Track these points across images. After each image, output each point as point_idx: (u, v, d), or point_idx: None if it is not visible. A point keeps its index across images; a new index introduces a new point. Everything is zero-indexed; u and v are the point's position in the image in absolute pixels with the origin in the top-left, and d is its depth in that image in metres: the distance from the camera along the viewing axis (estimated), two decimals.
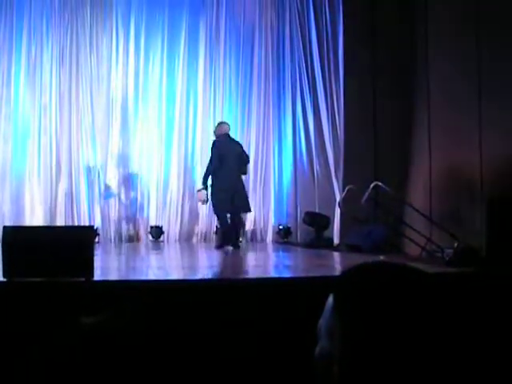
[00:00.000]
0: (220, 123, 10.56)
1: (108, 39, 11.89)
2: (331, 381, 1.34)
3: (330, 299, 1.38)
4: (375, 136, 11.08)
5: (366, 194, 9.38)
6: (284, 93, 12.16)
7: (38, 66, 11.66)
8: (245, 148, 10.90)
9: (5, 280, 5.88)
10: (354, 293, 1.34)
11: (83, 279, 5.74)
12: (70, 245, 5.79)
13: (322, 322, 1.39)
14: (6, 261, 5.91)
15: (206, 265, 8.86)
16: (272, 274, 7.84)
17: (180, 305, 5.55)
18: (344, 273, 1.40)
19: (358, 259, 8.52)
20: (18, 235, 5.99)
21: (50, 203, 11.44)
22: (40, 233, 6.06)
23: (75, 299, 5.64)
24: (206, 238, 11.71)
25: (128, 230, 11.68)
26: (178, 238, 11.61)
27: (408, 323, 1.29)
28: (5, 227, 6.20)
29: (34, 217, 11.38)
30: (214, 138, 10.16)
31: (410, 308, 1.31)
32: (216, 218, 10.36)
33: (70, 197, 11.45)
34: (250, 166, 11.40)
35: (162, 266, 8.16)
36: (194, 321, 5.45)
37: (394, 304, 1.31)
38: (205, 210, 11.57)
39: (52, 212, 11.42)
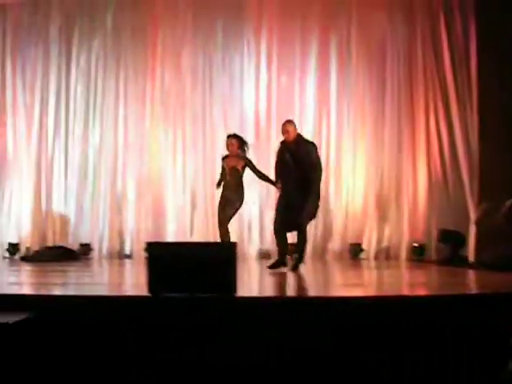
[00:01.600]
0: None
1: (240, 57, 12.22)
2: None
3: None
4: (511, 150, 10.91)
5: (503, 210, 9.23)
6: (417, 104, 12.14)
7: (172, 88, 12.20)
8: (378, 163, 11.20)
9: (150, 295, 6.09)
10: None
11: (226, 295, 5.90)
12: (214, 261, 5.97)
13: None
14: (151, 276, 6.13)
15: (341, 282, 8.91)
16: (406, 292, 7.81)
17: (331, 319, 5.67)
18: None
19: (494, 278, 8.43)
20: (163, 251, 6.22)
21: (187, 219, 11.94)
22: (184, 249, 6.26)
23: (220, 315, 5.81)
24: (338, 255, 11.80)
25: (262, 246, 11.91)
26: (311, 254, 11.68)
27: None
28: (149, 243, 6.45)
29: (170, 233, 11.77)
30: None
31: None
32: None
33: (206, 213, 11.81)
34: (385, 182, 11.51)
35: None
36: (345, 334, 5.56)
37: None
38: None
39: (188, 228, 11.79)
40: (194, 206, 12.04)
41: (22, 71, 12.50)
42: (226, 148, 9.76)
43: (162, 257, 6.13)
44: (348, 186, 12.07)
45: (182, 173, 12.15)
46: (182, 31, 12.26)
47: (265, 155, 11.52)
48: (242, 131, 11.77)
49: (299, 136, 9.22)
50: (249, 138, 11.81)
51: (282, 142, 9.25)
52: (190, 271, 6.02)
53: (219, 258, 6.02)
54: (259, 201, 11.90)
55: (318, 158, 9.16)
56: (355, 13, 12.17)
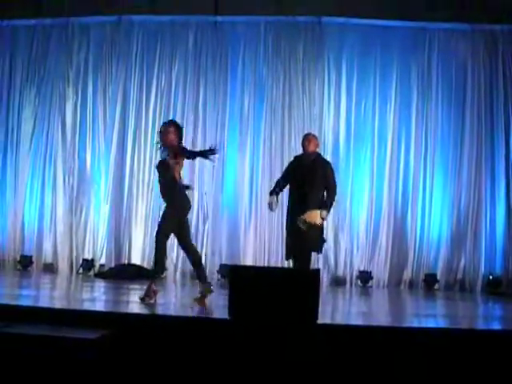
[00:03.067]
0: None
1: (320, 80, 12.23)
2: None
3: None
4: None
5: None
6: (497, 135, 12.05)
7: (250, 110, 12.33)
8: (456, 192, 11.36)
9: (229, 319, 6.12)
10: None
11: (308, 322, 5.90)
12: (296, 287, 5.97)
13: None
14: (232, 299, 6.15)
15: (414, 312, 8.85)
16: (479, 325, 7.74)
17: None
18: None
19: None
20: (245, 274, 6.24)
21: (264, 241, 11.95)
22: (266, 274, 6.28)
23: (300, 343, 5.81)
24: (412, 285, 11.66)
25: (335, 273, 11.85)
26: (386, 283, 11.61)
27: None
28: (232, 266, 6.49)
29: (247, 256, 11.83)
30: None
31: None
32: None
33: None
34: (462, 212, 11.42)
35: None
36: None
37: None
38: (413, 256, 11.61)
39: (264, 250, 11.82)
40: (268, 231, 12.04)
41: (103, 87, 12.76)
42: None
43: (244, 281, 6.15)
44: (424, 215, 11.96)
45: (258, 197, 12.16)
46: (262, 52, 12.37)
47: (343, 178, 11.61)
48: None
49: (318, 154, 9.30)
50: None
51: (298, 158, 9.38)
52: (271, 296, 6.02)
53: (302, 284, 6.01)
54: (333, 226, 11.82)
55: (334, 179, 9.18)
56: (436, 40, 12.13)
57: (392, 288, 11.62)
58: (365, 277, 11.69)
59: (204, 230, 12.21)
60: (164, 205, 8.49)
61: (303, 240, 8.74)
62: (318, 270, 6.35)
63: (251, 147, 12.28)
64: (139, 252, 12.42)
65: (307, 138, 9.27)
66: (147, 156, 12.51)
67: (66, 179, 12.67)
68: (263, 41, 12.40)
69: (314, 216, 8.77)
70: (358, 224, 11.97)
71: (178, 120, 11.93)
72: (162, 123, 9.18)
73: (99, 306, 7.95)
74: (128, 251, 12.43)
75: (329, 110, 12.22)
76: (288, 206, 9.32)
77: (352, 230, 11.95)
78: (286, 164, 10.68)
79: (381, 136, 12.10)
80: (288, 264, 9.46)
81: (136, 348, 6.15)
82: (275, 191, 9.29)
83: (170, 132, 8.51)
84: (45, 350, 5.76)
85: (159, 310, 7.60)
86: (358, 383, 5.83)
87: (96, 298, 8.86)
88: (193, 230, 11.68)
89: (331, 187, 9.02)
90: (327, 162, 9.31)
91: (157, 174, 8.70)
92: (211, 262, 11.99)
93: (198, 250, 11.54)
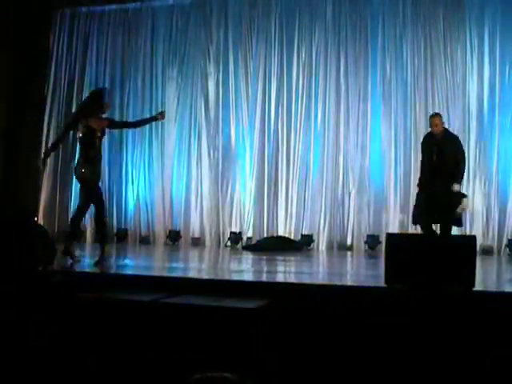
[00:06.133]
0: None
1: (462, 46, 12.19)
2: None
3: None
4: None
5: None
6: None
7: (392, 79, 12.40)
8: None
9: (386, 286, 6.28)
10: None
11: (465, 289, 6.00)
12: (454, 253, 6.09)
13: None
14: (388, 267, 6.32)
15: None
16: None
17: None
18: None
19: None
20: (402, 243, 6.41)
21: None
22: (424, 241, 6.43)
23: (458, 309, 5.92)
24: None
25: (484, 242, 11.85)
26: None
27: None
28: (389, 234, 6.66)
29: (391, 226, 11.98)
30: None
31: None
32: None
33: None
34: None
35: None
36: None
37: None
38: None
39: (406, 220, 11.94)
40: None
41: (244, 63, 13.15)
42: None
43: (401, 248, 6.29)
44: None
45: (402, 168, 12.31)
46: (402, 20, 12.42)
47: (488, 145, 11.77)
48: (464, 121, 11.85)
49: (446, 130, 9.33)
50: (471, 127, 11.87)
51: (429, 134, 9.33)
52: (427, 263, 6.13)
53: (460, 249, 6.11)
54: (481, 194, 11.82)
55: (463, 152, 9.23)
56: None
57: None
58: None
59: (350, 201, 12.44)
60: None
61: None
62: (474, 237, 6.43)
63: (395, 116, 12.38)
64: (283, 224, 12.78)
65: (431, 123, 9.25)
66: (292, 129, 12.80)
67: (211, 154, 13.19)
68: (402, 8, 12.45)
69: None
70: (506, 191, 11.88)
71: (322, 92, 12.30)
72: None
73: (255, 277, 8.25)
74: (274, 224, 12.80)
75: (472, 74, 12.16)
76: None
77: (501, 199, 11.89)
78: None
79: None
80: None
81: (293, 317, 6.35)
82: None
83: None
84: (207, 319, 6.05)
85: (310, 279, 7.81)
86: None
87: (248, 269, 9.18)
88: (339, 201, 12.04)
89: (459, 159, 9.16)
90: (456, 137, 9.38)
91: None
92: (357, 232, 12.21)
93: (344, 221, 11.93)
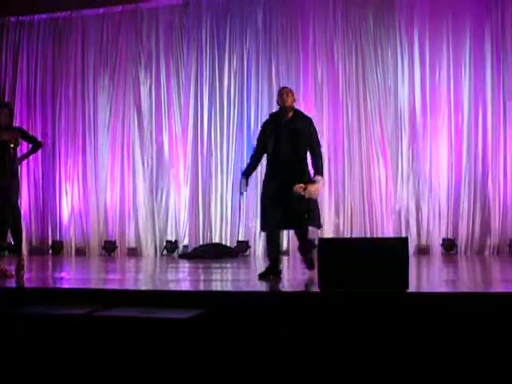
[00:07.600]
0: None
1: (392, 49, 12.30)
2: None
3: None
4: None
5: None
6: None
7: (324, 83, 12.51)
8: None
9: (319, 291, 6.28)
10: None
11: (398, 290, 6.03)
12: (386, 256, 6.10)
13: None
14: (322, 272, 6.31)
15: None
16: None
17: None
18: None
19: None
20: (335, 247, 6.41)
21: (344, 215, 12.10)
22: (356, 244, 6.43)
23: (391, 311, 5.94)
24: (498, 251, 11.68)
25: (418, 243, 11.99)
26: (469, 250, 11.69)
27: None
28: (320, 239, 6.66)
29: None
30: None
31: None
32: None
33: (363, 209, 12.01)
34: None
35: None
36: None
37: None
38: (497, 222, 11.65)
39: (346, 224, 11.99)
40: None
41: (175, 71, 13.16)
42: None
43: (334, 252, 6.30)
44: (506, 179, 11.90)
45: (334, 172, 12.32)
46: (333, 24, 12.51)
47: (420, 147, 11.91)
48: (396, 124, 11.96)
49: (296, 109, 8.12)
50: (403, 130, 11.99)
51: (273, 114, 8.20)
52: (360, 266, 6.15)
53: (392, 252, 6.13)
54: (414, 195, 11.93)
55: (317, 134, 8.10)
56: (510, 4, 11.99)
57: (475, 255, 11.67)
58: (449, 244, 11.76)
59: None
60: None
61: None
62: (405, 239, 6.46)
63: (327, 120, 12.41)
64: (218, 231, 12.78)
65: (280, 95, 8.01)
66: (224, 136, 12.82)
67: (144, 163, 13.15)
68: (332, 11, 12.53)
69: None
70: (438, 192, 12.00)
71: (254, 98, 12.31)
72: None
73: (189, 286, 8.18)
74: (209, 231, 12.77)
75: (403, 78, 12.27)
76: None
77: (433, 199, 12.00)
78: (364, 133, 10.91)
79: (457, 102, 12.07)
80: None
81: (228, 326, 6.31)
82: None
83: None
84: (139, 331, 5.99)
85: (246, 287, 7.76)
86: (445, 351, 5.94)
87: (184, 278, 9.11)
88: None
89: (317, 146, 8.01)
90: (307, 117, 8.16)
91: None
92: (293, 237, 12.20)
93: None
